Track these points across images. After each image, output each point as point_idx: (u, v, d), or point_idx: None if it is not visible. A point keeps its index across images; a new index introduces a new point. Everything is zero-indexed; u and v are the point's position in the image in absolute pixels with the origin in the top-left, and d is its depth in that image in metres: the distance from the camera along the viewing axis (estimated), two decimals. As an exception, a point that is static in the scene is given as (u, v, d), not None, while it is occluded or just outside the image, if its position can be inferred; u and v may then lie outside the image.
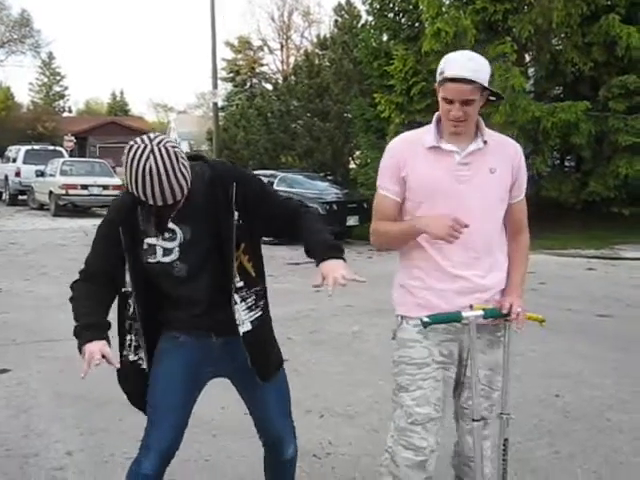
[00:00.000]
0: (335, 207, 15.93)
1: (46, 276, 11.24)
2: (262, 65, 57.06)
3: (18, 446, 4.52)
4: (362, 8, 21.88)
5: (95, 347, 2.72)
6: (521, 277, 3.13)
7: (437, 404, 3.04)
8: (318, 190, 16.80)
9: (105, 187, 22.74)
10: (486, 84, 2.89)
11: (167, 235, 2.78)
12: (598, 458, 4.35)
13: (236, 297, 2.87)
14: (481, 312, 2.91)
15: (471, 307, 2.95)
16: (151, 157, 2.52)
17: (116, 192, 23.05)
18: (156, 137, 2.59)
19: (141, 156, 2.52)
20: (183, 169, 2.58)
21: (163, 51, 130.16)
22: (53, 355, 6.47)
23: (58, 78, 74.98)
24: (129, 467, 3.10)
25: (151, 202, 2.57)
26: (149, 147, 2.53)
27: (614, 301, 9.15)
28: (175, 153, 2.56)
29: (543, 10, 14.96)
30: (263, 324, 3.01)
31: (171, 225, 2.77)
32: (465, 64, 2.87)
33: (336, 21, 27.65)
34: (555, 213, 16.65)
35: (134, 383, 3.08)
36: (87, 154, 50.92)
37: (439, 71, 2.92)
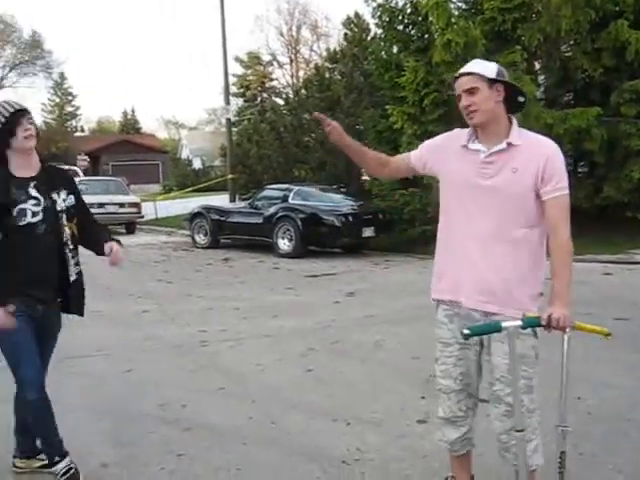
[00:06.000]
0: (351, 219, 15.96)
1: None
2: (272, 80, 57.32)
3: (55, 459, 4.64)
4: (371, 21, 21.98)
5: None
6: (562, 284, 3.18)
7: (458, 378, 3.50)
8: (333, 202, 16.84)
9: (121, 205, 22.78)
10: (487, 75, 3.29)
11: (34, 201, 3.90)
12: (620, 457, 4.43)
13: (68, 254, 4.08)
14: (519, 322, 3.02)
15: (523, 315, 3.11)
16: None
17: (132, 210, 23.19)
18: None
19: None
20: None
21: (173, 68, 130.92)
22: (82, 371, 6.60)
23: (70, 98, 75.38)
24: (14, 403, 4.17)
25: (11, 110, 3.87)
26: None
27: (630, 305, 9.21)
28: None
29: (551, 18, 15.03)
30: (81, 276, 4.22)
31: (35, 193, 3.92)
32: (465, 66, 3.40)
33: (345, 34, 27.73)
34: (570, 219, 16.64)
35: None
36: (100, 173, 51.15)
37: None
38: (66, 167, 29.60)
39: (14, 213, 3.83)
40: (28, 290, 3.95)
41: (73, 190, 4.18)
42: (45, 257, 4.00)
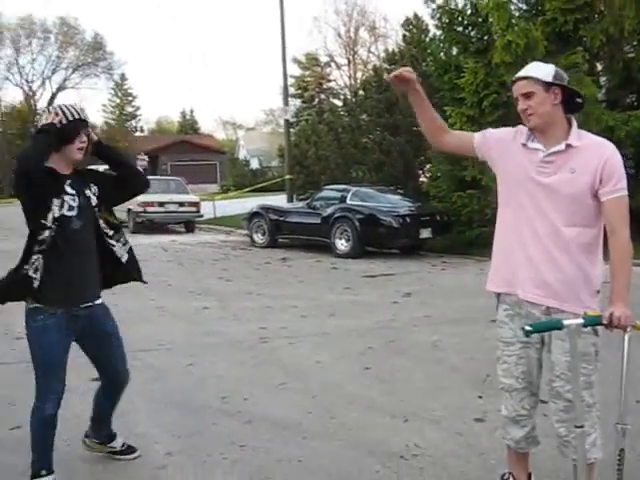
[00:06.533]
0: (408, 220, 15.94)
1: (129, 290, 11.58)
2: (329, 81, 57.52)
3: (122, 447, 4.80)
4: (430, 22, 21.91)
5: None
6: (622, 285, 3.21)
7: (520, 377, 3.55)
8: (391, 204, 16.85)
9: (181, 204, 23.05)
10: (542, 78, 3.35)
11: (70, 196, 3.98)
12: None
13: (110, 242, 4.21)
14: (581, 320, 3.04)
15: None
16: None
17: (192, 209, 23.47)
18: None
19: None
20: None
21: (231, 68, 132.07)
22: (142, 364, 6.75)
23: (130, 99, 76.68)
24: (32, 414, 4.05)
25: (76, 116, 3.95)
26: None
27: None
28: None
29: (614, 18, 14.87)
30: (132, 251, 4.39)
31: (71, 190, 4.00)
32: (522, 70, 3.46)
33: (404, 35, 27.74)
34: (630, 223, 16.40)
35: (17, 292, 4.02)
36: (158, 172, 51.75)
37: None
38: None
39: (53, 202, 3.89)
40: (67, 290, 4.01)
41: (97, 178, 4.23)
42: (83, 254, 4.08)
